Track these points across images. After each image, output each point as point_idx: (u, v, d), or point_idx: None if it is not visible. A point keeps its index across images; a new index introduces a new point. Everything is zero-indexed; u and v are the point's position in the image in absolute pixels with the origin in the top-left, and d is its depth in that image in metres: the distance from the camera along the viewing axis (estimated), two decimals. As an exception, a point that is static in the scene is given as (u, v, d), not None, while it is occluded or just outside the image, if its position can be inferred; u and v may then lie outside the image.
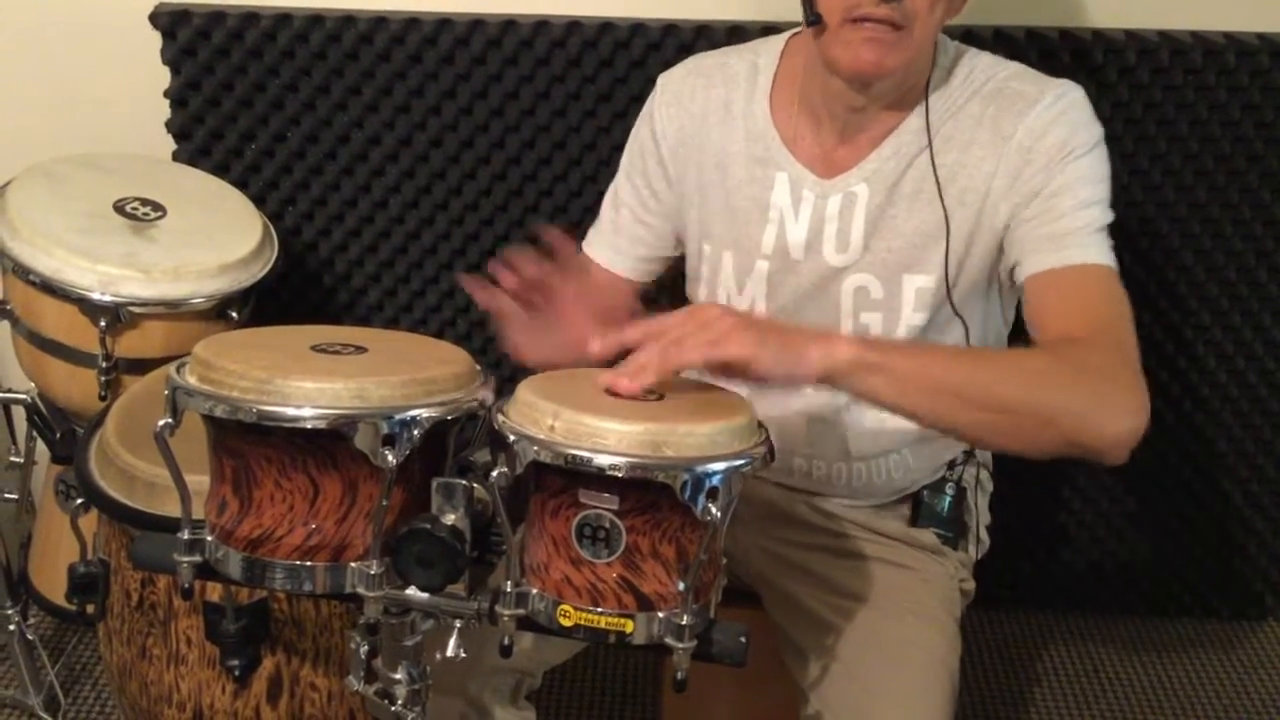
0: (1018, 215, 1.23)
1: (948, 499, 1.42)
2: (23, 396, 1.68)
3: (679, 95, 1.39)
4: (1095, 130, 1.24)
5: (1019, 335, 1.32)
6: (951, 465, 1.44)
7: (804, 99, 1.32)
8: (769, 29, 1.68)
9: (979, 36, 1.77)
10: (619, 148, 1.49)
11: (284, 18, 1.83)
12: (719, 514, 0.86)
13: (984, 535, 1.49)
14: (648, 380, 0.96)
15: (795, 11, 1.28)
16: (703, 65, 1.41)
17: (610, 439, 0.87)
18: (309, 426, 0.89)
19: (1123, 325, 1.16)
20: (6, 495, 1.89)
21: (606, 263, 1.46)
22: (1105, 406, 1.08)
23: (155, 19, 1.83)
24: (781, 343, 1.00)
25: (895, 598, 1.34)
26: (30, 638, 1.85)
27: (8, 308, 1.68)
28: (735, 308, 1.02)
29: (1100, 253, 1.20)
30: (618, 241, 1.45)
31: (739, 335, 0.98)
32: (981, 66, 1.29)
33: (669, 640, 0.90)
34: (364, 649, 1.04)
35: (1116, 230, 1.23)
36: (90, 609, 1.40)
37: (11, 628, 1.82)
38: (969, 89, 1.27)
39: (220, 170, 1.91)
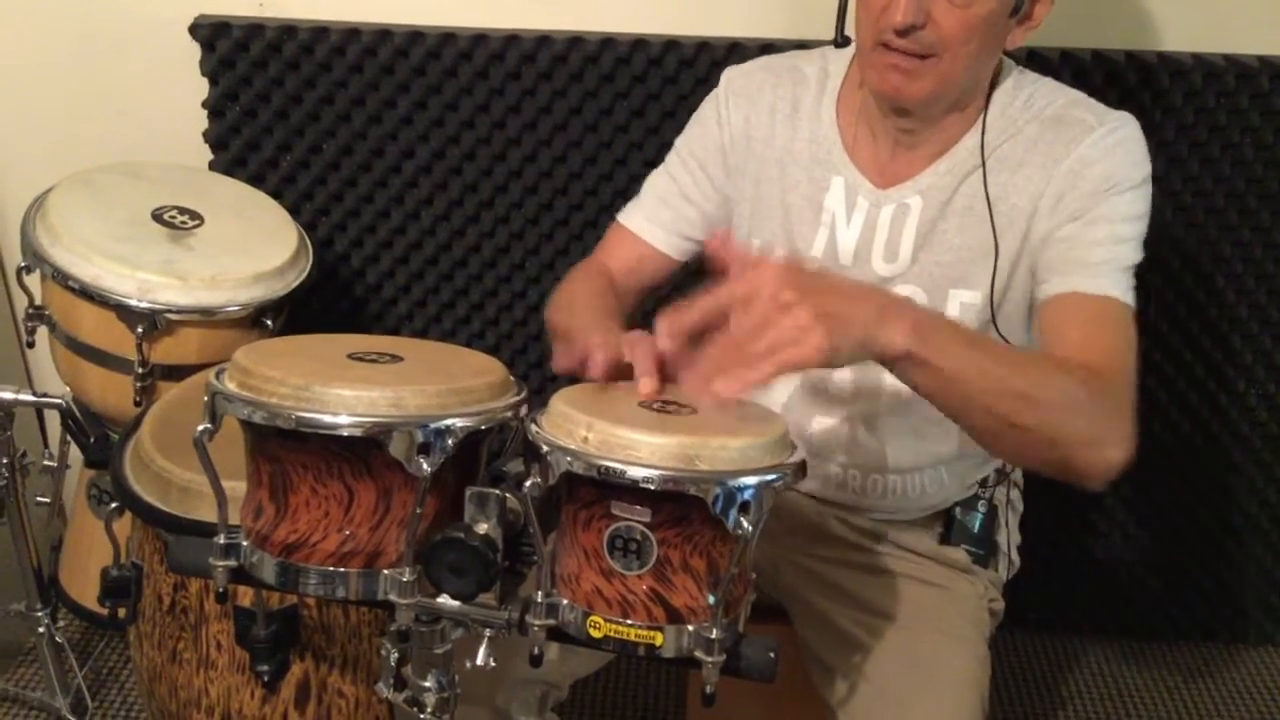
0: (1052, 235, 1.24)
1: (979, 516, 1.42)
2: (57, 401, 1.70)
3: (748, 88, 1.40)
4: (1144, 168, 1.25)
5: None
6: (984, 483, 1.44)
7: (864, 108, 1.33)
8: (801, 46, 1.69)
9: (1045, 58, 1.78)
10: (651, 163, 1.50)
11: (321, 31, 1.85)
12: (750, 528, 0.86)
13: (1014, 556, 1.49)
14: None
15: (828, 30, 1.30)
16: (774, 64, 1.42)
17: (643, 451, 0.87)
18: (345, 434, 0.90)
19: (1128, 362, 1.17)
20: (39, 499, 1.90)
21: (643, 234, 1.45)
22: (1106, 438, 1.09)
23: (195, 31, 1.86)
24: (847, 332, 0.96)
25: (925, 616, 1.33)
26: (59, 641, 1.87)
27: (46, 313, 1.70)
28: (799, 271, 0.97)
29: (1121, 289, 1.21)
30: (660, 215, 1.45)
31: (813, 340, 0.94)
32: (1043, 91, 1.30)
33: (698, 654, 0.90)
34: (394, 656, 1.04)
35: (1148, 254, 1.23)
36: (122, 612, 1.41)
37: (41, 630, 1.84)
38: (1029, 113, 1.28)
39: (256, 180, 1.93)
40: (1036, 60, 1.78)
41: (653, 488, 0.85)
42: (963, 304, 1.30)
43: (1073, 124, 1.25)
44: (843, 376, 1.36)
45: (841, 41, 1.31)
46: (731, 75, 1.42)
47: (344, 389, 0.91)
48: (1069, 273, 1.22)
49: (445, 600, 0.96)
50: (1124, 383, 1.15)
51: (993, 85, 1.29)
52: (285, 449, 0.94)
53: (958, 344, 1.04)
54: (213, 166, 1.94)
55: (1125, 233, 1.23)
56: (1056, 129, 1.26)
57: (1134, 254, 1.23)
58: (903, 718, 1.24)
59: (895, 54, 1.20)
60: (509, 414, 0.96)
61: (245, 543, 0.98)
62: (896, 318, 0.99)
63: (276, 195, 1.91)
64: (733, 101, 1.40)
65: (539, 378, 2.05)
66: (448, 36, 1.84)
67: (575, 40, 1.83)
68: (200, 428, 0.94)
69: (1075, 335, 1.20)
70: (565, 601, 0.93)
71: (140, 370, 1.62)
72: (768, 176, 1.38)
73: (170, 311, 1.59)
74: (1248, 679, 2.17)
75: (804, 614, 1.41)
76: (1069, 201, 1.23)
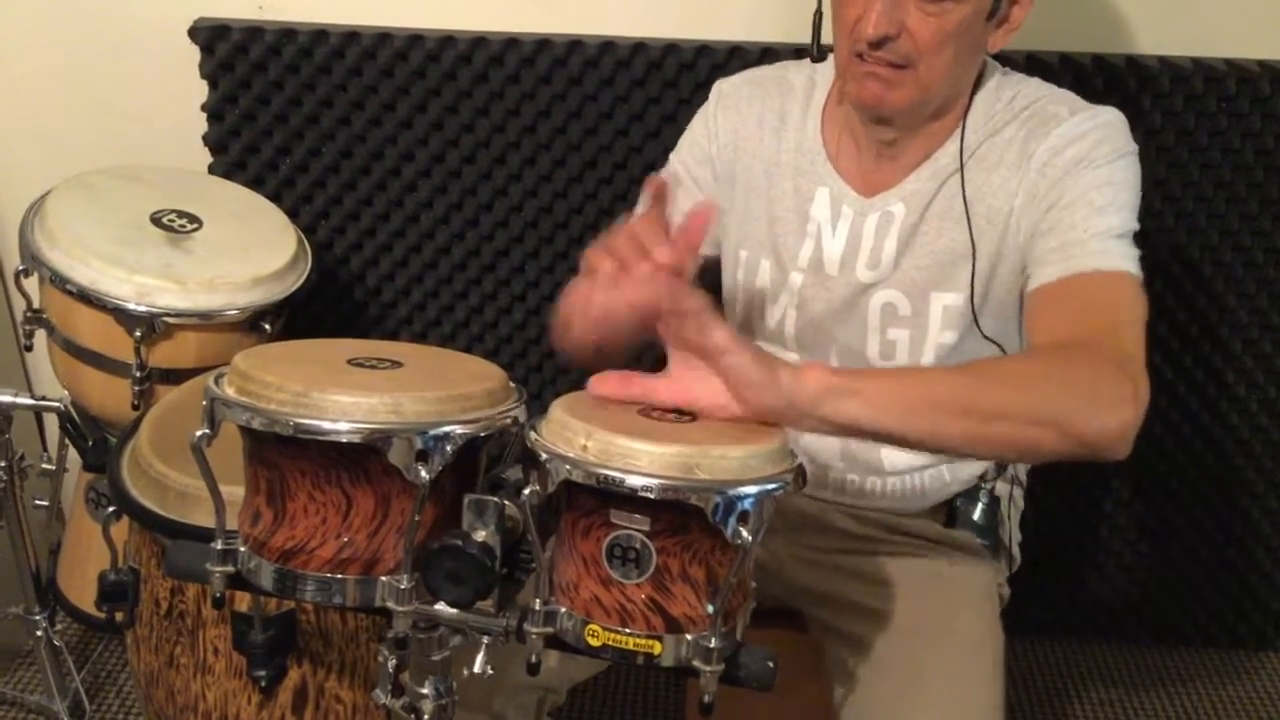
0: (1036, 229, 1.22)
1: (980, 505, 1.42)
2: (56, 404, 1.70)
3: (736, 99, 1.41)
4: (1121, 145, 1.22)
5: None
6: (984, 477, 1.43)
7: (848, 118, 1.33)
8: (801, 51, 1.69)
9: (1045, 63, 1.78)
10: (651, 166, 1.50)
11: (320, 34, 1.85)
12: (750, 538, 0.85)
13: (1016, 551, 1.49)
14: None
15: (826, 34, 1.30)
16: (761, 75, 1.43)
17: (643, 460, 0.87)
18: (344, 440, 0.89)
19: (1121, 321, 1.12)
20: (37, 502, 1.90)
21: None
22: (1095, 400, 1.02)
23: (194, 34, 1.85)
24: (758, 358, 0.96)
25: (938, 587, 1.34)
26: (57, 644, 1.87)
27: (44, 316, 1.69)
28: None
29: (1110, 258, 1.16)
30: None
31: (713, 334, 0.95)
32: (1026, 90, 1.29)
33: (696, 663, 0.90)
34: (392, 663, 1.04)
35: (1147, 257, 1.21)
36: (120, 616, 1.41)
37: (39, 633, 1.84)
38: (1010, 113, 1.28)
39: (255, 184, 1.93)
40: (1036, 65, 1.78)
41: (652, 496, 0.85)
42: (945, 307, 1.30)
43: (1047, 118, 1.25)
44: None
45: (818, 55, 1.32)
46: (721, 87, 1.43)
47: (342, 395, 0.90)
48: (1048, 263, 1.19)
49: (443, 607, 0.95)
50: (1114, 343, 1.09)
51: (976, 88, 1.29)
52: (283, 455, 0.94)
53: (881, 371, 1.07)
54: (212, 170, 1.94)
55: (1107, 201, 1.18)
56: (1031, 125, 1.25)
57: (1124, 222, 1.18)
58: (924, 679, 1.23)
59: (871, 64, 1.20)
60: (508, 421, 0.96)
61: (243, 549, 0.97)
62: (811, 366, 0.98)
63: (275, 198, 1.91)
64: (721, 114, 1.41)
65: (538, 382, 2.05)
66: (447, 39, 1.83)
67: (575, 43, 1.83)
68: (198, 433, 0.93)
69: (1047, 319, 1.17)
70: (563, 609, 0.92)
71: (138, 374, 1.62)
72: (755, 187, 1.38)
73: (168, 315, 1.59)
74: (1249, 685, 2.17)
75: (812, 597, 1.40)
76: (1043, 193, 1.22)
